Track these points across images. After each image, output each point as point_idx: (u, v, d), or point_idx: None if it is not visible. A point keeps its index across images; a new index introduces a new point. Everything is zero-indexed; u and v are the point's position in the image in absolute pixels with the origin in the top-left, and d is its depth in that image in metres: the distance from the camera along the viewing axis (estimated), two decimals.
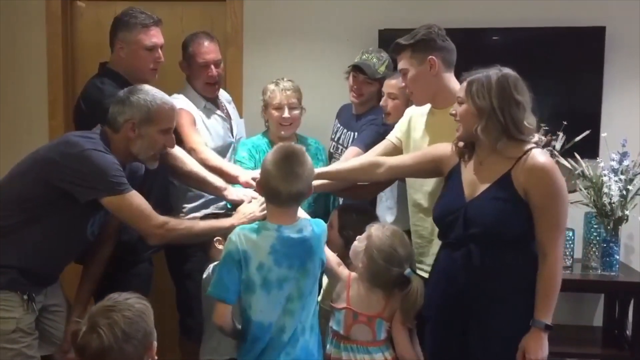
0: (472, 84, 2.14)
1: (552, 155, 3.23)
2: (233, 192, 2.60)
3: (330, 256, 2.36)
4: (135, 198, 2.28)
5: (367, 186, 2.72)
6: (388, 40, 3.47)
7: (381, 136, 2.88)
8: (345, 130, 3.19)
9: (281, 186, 2.11)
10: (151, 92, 2.37)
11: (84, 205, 2.26)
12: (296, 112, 2.90)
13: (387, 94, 2.94)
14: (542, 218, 2.09)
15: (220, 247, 2.52)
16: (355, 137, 3.07)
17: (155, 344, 1.73)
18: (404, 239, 2.36)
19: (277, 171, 2.12)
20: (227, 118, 3.19)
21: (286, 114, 2.86)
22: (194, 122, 2.95)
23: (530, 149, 2.13)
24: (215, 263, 2.46)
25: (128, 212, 2.28)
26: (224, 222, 2.42)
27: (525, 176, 2.10)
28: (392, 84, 2.92)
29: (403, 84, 2.56)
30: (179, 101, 2.99)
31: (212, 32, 3.21)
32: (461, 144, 2.24)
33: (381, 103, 2.97)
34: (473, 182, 2.20)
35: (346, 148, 3.10)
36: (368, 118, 3.07)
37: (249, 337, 2.16)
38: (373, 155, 2.64)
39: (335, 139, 3.21)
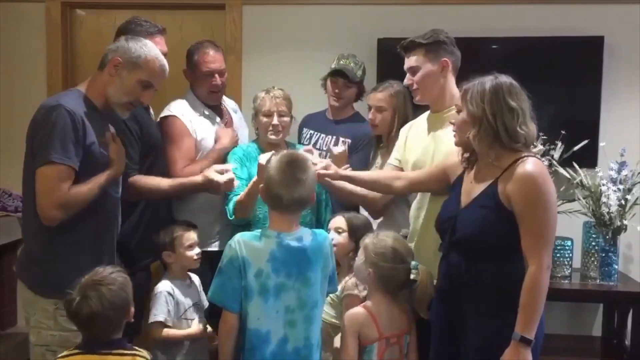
0: (467, 92, 2.13)
1: (551, 164, 3.24)
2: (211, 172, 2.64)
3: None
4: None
5: (378, 199, 2.72)
6: (387, 49, 3.51)
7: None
8: (320, 135, 3.22)
9: (283, 192, 2.12)
10: (150, 45, 2.36)
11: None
12: (285, 119, 2.89)
13: (374, 107, 2.96)
14: (524, 226, 2.03)
15: (169, 261, 2.64)
16: (346, 144, 3.10)
17: (132, 309, 2.07)
18: (398, 236, 2.37)
19: (279, 177, 2.13)
20: (230, 126, 3.20)
21: (275, 120, 2.85)
22: (185, 132, 2.95)
23: (523, 157, 2.07)
24: (161, 284, 2.57)
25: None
26: (109, 171, 2.33)
27: (508, 185, 2.05)
28: (379, 97, 2.95)
29: (410, 81, 2.59)
30: (176, 107, 3.01)
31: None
32: (466, 154, 2.24)
33: (369, 117, 3.00)
34: (469, 191, 2.20)
35: (324, 151, 3.15)
36: (365, 131, 3.09)
37: (247, 344, 2.15)
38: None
39: (311, 145, 3.22)
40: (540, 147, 3.05)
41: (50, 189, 2.15)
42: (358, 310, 2.30)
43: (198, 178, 2.65)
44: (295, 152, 2.34)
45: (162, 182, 2.69)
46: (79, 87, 2.35)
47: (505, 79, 2.11)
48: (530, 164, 2.04)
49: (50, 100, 2.26)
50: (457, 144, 2.24)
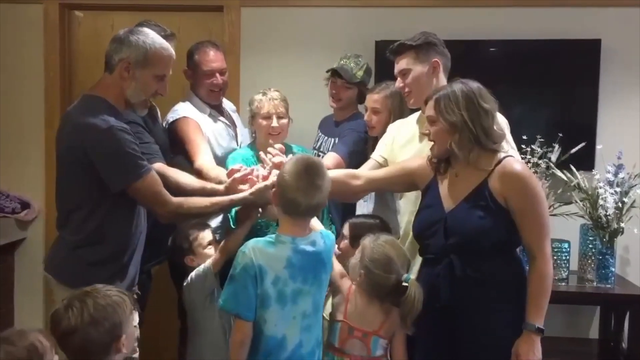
0: (439, 101, 2.16)
1: (548, 167, 3.25)
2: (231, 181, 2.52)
3: (336, 268, 2.34)
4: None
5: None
6: (385, 51, 3.50)
7: (363, 141, 2.99)
8: (326, 138, 3.21)
9: (301, 198, 2.07)
10: (151, 34, 2.32)
11: None
12: (284, 121, 2.87)
13: (370, 108, 2.95)
14: (526, 222, 2.11)
15: (193, 264, 2.57)
16: (336, 142, 3.08)
17: (124, 337, 1.77)
18: (397, 246, 2.33)
19: (297, 183, 2.07)
20: (232, 125, 3.21)
21: (275, 123, 2.82)
22: (200, 130, 2.95)
23: (503, 158, 2.16)
24: (198, 269, 2.52)
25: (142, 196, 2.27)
26: (238, 195, 2.40)
27: (503, 184, 2.12)
28: (375, 99, 2.93)
29: (402, 85, 2.58)
30: (185, 109, 3.01)
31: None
32: (435, 159, 2.26)
33: (365, 118, 2.99)
34: (450, 194, 2.21)
35: (323, 154, 3.11)
36: (350, 124, 3.10)
37: (262, 350, 2.11)
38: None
39: (317, 147, 3.23)
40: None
41: (153, 199, 2.27)
42: (347, 281, 2.32)
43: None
44: (311, 157, 2.33)
45: (186, 179, 2.57)
46: (96, 94, 2.29)
47: (473, 83, 2.17)
48: (517, 164, 2.17)
49: (92, 118, 2.18)
50: (436, 155, 2.25)
